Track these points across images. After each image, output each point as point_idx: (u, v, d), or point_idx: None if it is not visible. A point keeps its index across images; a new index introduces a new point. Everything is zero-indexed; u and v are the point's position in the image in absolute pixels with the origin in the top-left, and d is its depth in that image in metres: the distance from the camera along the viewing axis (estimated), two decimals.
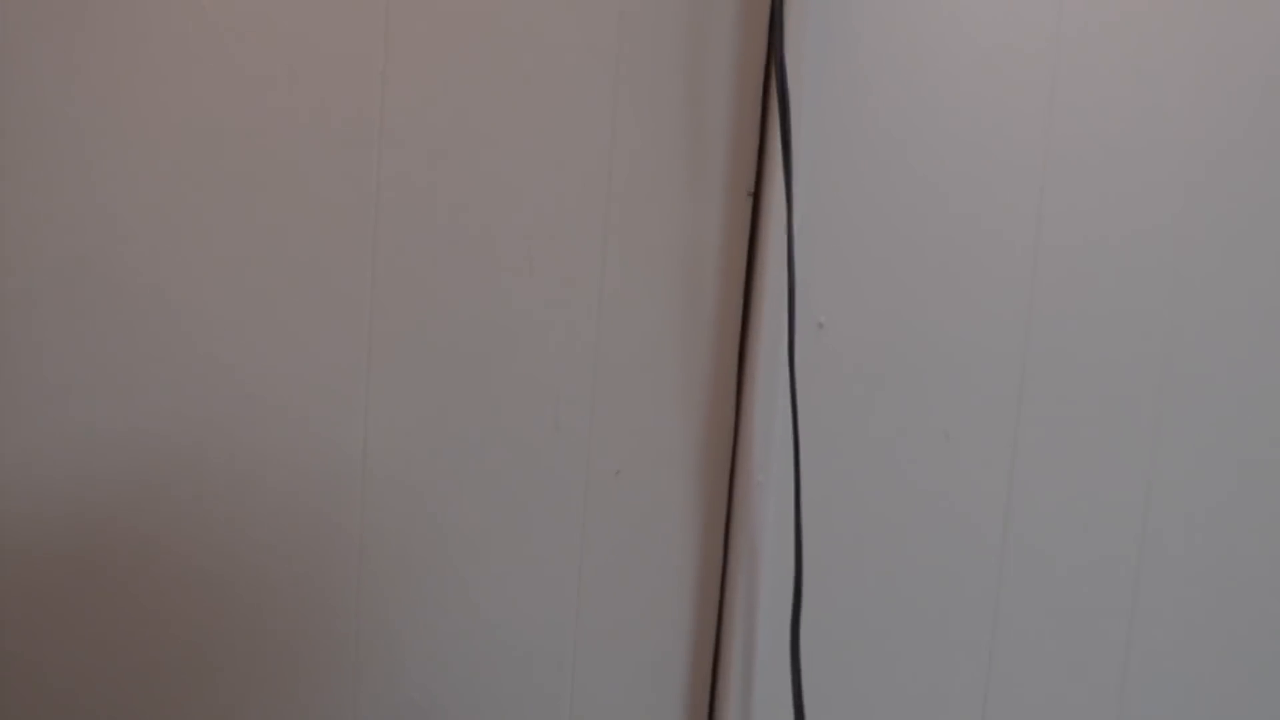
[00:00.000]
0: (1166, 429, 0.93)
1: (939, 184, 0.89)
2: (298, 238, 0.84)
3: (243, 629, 0.87)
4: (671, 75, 0.87)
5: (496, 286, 0.87)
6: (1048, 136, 0.89)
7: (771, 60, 0.85)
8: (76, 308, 0.82)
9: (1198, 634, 0.95)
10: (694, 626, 0.90)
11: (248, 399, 0.85)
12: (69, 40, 0.81)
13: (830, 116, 0.87)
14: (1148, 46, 0.90)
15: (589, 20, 0.85)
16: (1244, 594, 0.95)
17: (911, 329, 0.89)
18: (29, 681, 0.86)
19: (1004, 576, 0.92)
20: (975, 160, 0.89)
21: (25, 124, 0.81)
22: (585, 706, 0.91)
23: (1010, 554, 0.92)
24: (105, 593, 0.86)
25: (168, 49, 0.81)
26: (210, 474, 0.86)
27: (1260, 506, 0.95)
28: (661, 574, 0.90)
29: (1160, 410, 0.93)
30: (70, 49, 0.81)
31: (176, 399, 0.84)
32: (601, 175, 0.87)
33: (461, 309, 0.87)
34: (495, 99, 0.85)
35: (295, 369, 0.85)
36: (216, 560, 0.86)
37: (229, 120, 0.82)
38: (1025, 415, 0.91)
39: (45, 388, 0.83)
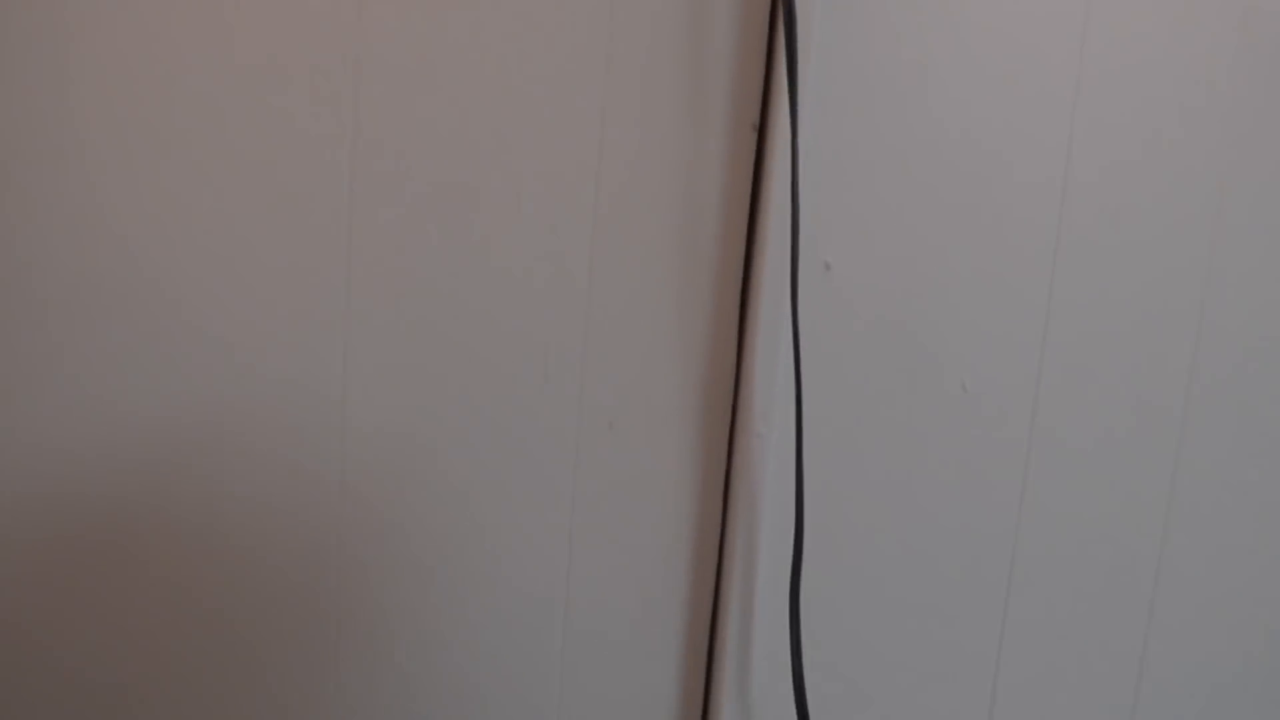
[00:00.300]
0: (1201, 381, 0.86)
1: (960, 117, 0.82)
2: (270, 181, 0.79)
3: (220, 586, 0.84)
4: None
5: (480, 228, 0.82)
6: (1081, 63, 0.82)
7: None
8: (52, 273, 0.79)
9: (1224, 590, 0.90)
10: (690, 586, 0.86)
11: (219, 350, 0.81)
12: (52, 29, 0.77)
13: (840, 41, 0.80)
14: None
15: None
16: (1275, 554, 0.89)
17: (926, 272, 0.83)
18: (28, 654, 0.84)
19: (1020, 537, 0.86)
20: (1000, 91, 0.82)
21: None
22: (575, 666, 0.87)
23: (1028, 514, 0.86)
24: (82, 561, 0.84)
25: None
26: (180, 431, 0.82)
27: None
28: (656, 532, 0.86)
29: (1195, 361, 0.86)
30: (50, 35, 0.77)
31: (144, 355, 0.81)
32: (594, 108, 0.81)
33: (444, 253, 0.82)
34: (480, 29, 0.79)
35: (268, 317, 0.81)
36: (191, 519, 0.83)
37: (200, 69, 0.78)
38: (1048, 367, 0.85)
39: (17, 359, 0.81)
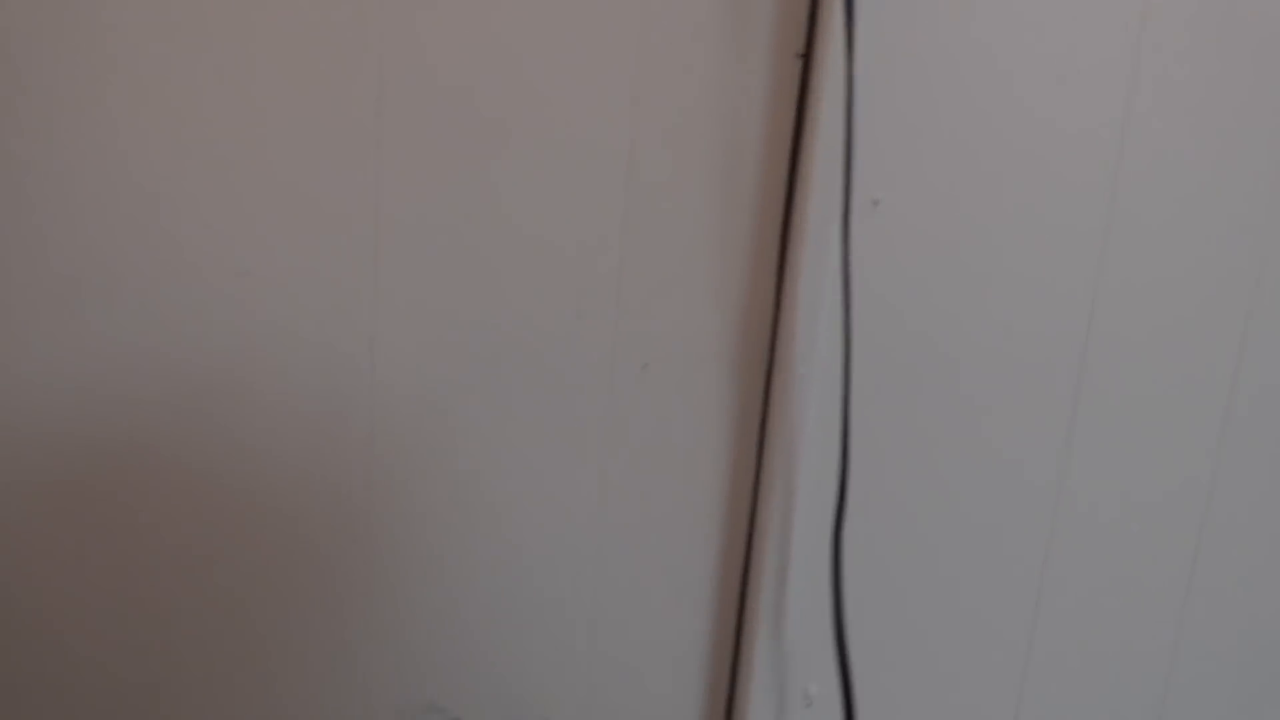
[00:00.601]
0: (1255, 332, 0.84)
1: (1018, 42, 0.78)
2: (298, 124, 0.76)
3: (253, 538, 0.82)
4: None
5: (510, 162, 0.78)
6: None
7: None
8: (71, 210, 0.76)
9: (1269, 552, 0.88)
10: (724, 532, 0.84)
11: (248, 295, 0.78)
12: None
13: None
14: None
15: None
16: None
17: (979, 207, 0.80)
18: (37, 596, 0.82)
19: (1065, 480, 0.85)
20: (1066, 14, 0.78)
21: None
22: (606, 613, 0.85)
23: (1076, 456, 0.84)
24: (112, 506, 0.81)
25: None
26: (210, 379, 0.79)
27: None
28: (690, 476, 0.83)
29: (1251, 309, 0.84)
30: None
31: (172, 300, 0.78)
32: (629, 35, 0.77)
33: (472, 189, 0.79)
34: None
35: (297, 260, 0.78)
36: (223, 468, 0.81)
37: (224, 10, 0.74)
38: (1100, 306, 0.82)
39: (41, 293, 0.77)
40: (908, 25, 0.77)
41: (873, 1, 0.76)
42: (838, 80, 0.76)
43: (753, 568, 0.84)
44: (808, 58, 0.78)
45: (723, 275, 0.81)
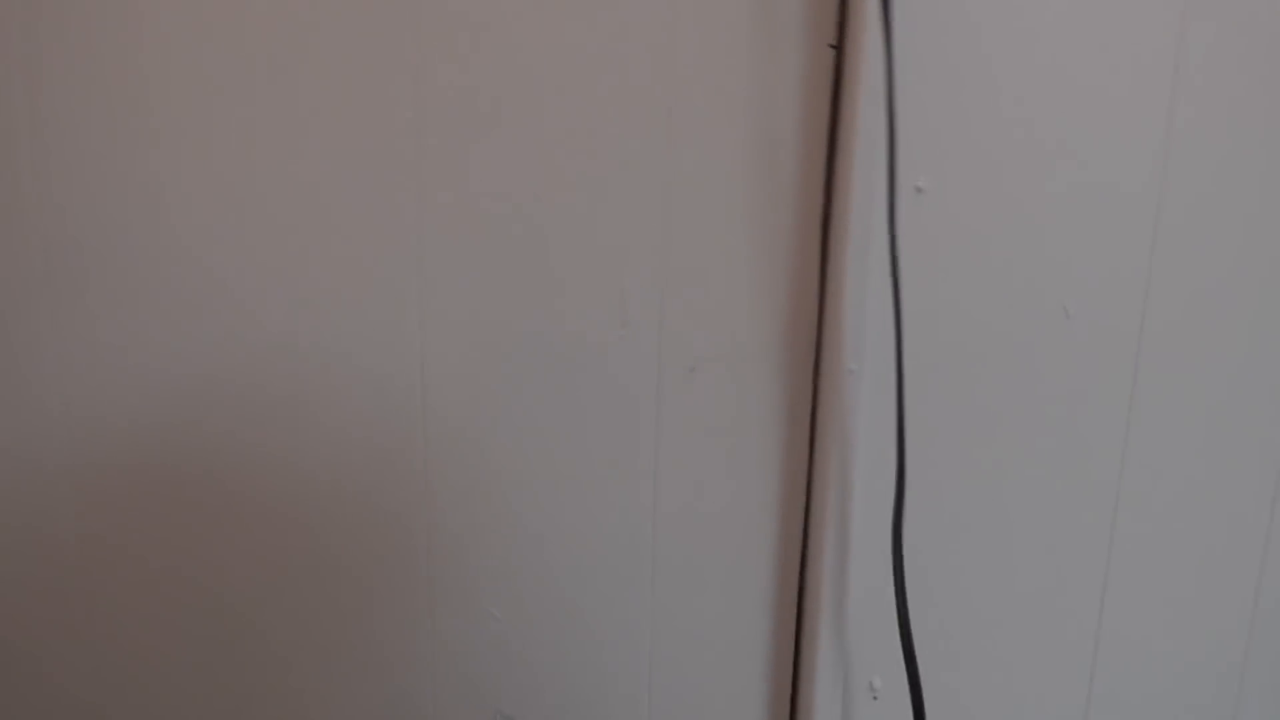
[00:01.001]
0: None
1: (1065, 23, 0.76)
2: (341, 137, 0.77)
3: (311, 553, 0.83)
4: None
5: (549, 167, 0.78)
6: None
7: None
8: (119, 230, 0.77)
9: None
10: (780, 531, 0.84)
11: (298, 307, 0.79)
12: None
13: None
14: None
15: None
16: None
17: (1025, 192, 0.78)
18: (99, 610, 0.84)
19: (1126, 469, 0.83)
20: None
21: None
22: (665, 621, 0.85)
23: (1134, 446, 0.82)
24: (169, 526, 0.83)
25: None
26: (260, 397, 0.81)
27: None
28: (742, 476, 0.83)
29: None
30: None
31: (226, 321, 0.79)
32: (660, 39, 0.76)
33: (512, 197, 0.78)
34: None
35: (345, 274, 0.79)
36: (278, 487, 0.82)
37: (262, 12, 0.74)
38: (1155, 289, 0.80)
39: (106, 326, 0.79)
40: (945, 10, 0.75)
41: None
42: (871, 69, 0.74)
43: (810, 564, 0.83)
44: (841, 47, 0.76)
45: (767, 273, 0.80)
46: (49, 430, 0.83)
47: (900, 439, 0.77)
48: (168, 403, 0.81)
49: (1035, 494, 0.82)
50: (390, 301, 0.80)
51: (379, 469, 0.82)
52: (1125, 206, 0.78)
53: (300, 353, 0.80)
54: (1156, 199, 0.78)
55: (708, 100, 0.77)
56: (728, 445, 0.82)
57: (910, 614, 0.79)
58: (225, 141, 0.78)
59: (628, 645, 0.86)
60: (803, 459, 0.82)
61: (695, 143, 0.78)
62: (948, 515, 0.82)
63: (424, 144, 0.77)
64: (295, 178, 0.78)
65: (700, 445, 0.82)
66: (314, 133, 0.77)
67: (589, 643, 0.86)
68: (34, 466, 0.83)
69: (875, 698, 0.85)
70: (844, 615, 0.83)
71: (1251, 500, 0.84)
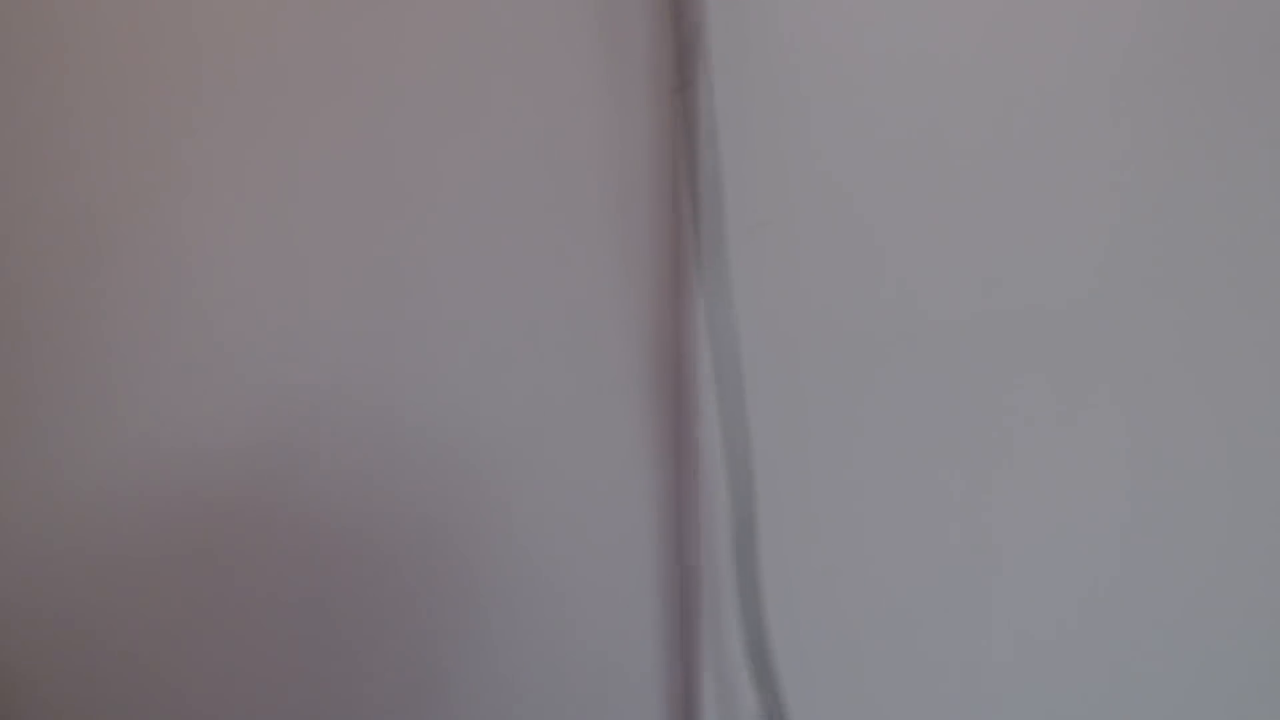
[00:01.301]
0: None
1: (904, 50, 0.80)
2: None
3: (328, 562, 0.85)
4: None
5: (423, 232, 0.82)
6: None
7: None
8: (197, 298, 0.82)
9: None
10: (659, 574, 0.86)
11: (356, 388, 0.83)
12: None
13: None
14: None
15: None
16: None
17: (867, 217, 0.82)
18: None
19: (982, 502, 0.84)
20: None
21: None
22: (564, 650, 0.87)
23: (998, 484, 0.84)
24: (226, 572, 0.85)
25: None
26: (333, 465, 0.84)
27: None
28: (617, 515, 0.85)
29: None
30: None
31: (287, 380, 0.83)
32: (508, 101, 0.80)
33: (393, 256, 0.82)
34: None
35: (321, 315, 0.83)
36: (342, 543, 0.85)
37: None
38: (997, 294, 0.83)
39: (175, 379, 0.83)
40: (769, 52, 0.80)
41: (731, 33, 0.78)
42: (711, 110, 0.78)
43: (688, 593, 0.85)
44: (683, 92, 0.80)
45: (629, 321, 0.83)
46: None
47: (746, 460, 0.80)
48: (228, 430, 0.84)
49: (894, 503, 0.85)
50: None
51: (385, 491, 0.85)
52: (968, 213, 0.82)
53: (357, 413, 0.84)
54: (994, 207, 0.82)
55: (562, 163, 0.82)
56: (603, 481, 0.85)
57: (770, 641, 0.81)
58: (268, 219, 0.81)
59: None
60: (673, 491, 0.85)
61: (551, 201, 0.82)
62: (805, 541, 0.85)
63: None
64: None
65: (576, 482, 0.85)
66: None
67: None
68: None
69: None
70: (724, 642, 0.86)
71: (1115, 502, 0.86)
